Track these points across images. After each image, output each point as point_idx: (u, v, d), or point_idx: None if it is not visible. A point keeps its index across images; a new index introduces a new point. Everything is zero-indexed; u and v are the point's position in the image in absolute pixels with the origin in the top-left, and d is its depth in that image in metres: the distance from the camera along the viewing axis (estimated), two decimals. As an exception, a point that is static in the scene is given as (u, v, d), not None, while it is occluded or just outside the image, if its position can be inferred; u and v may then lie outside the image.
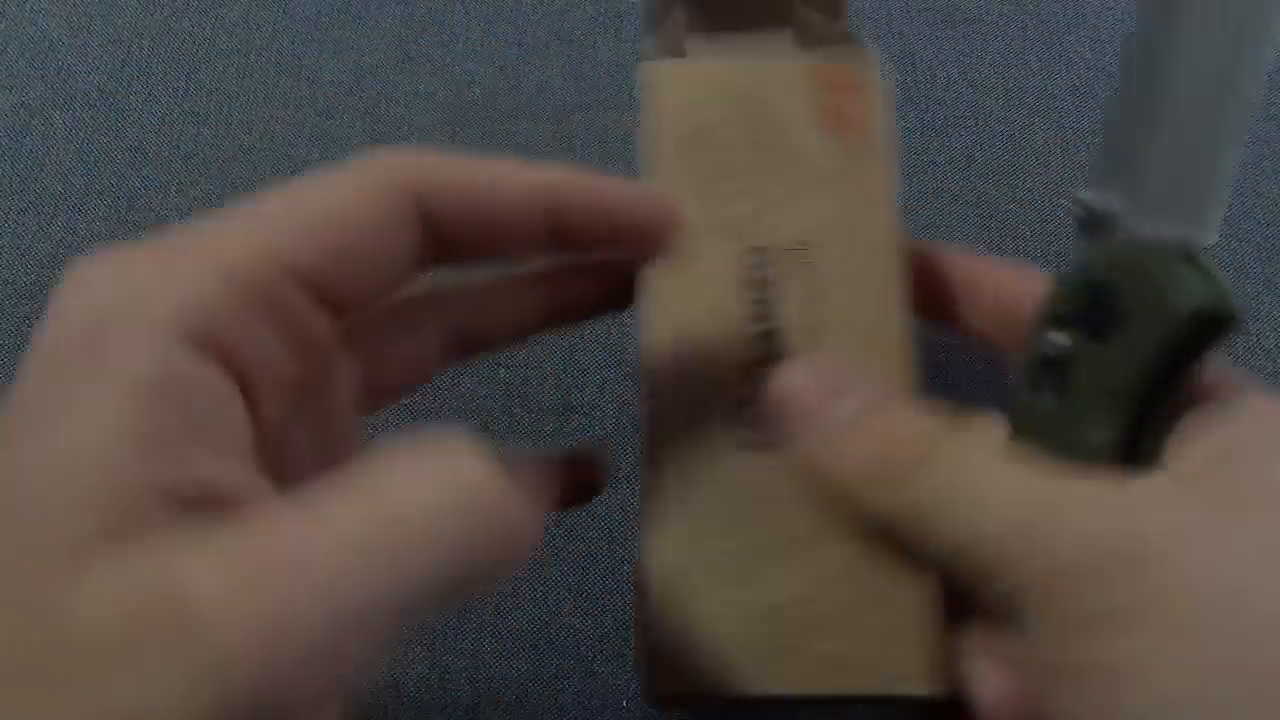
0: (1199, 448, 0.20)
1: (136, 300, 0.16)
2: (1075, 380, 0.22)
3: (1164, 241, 0.21)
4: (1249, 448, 0.19)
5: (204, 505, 0.15)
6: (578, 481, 0.26)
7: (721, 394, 0.24)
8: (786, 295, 0.25)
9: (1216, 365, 0.22)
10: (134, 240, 0.17)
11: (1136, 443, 0.21)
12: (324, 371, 0.21)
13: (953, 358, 0.32)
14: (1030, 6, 0.45)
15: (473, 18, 0.45)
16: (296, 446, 0.19)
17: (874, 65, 0.28)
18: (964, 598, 0.21)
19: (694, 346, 0.24)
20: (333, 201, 0.18)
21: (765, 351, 0.24)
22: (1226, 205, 0.21)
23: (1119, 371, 0.21)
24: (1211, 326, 0.20)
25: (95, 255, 0.17)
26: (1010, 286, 0.25)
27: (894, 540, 0.22)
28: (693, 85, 0.27)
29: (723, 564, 0.23)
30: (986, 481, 0.20)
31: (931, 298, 0.27)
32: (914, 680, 0.22)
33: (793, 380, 0.22)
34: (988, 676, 0.22)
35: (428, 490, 0.15)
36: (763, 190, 0.26)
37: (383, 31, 0.45)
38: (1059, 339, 0.22)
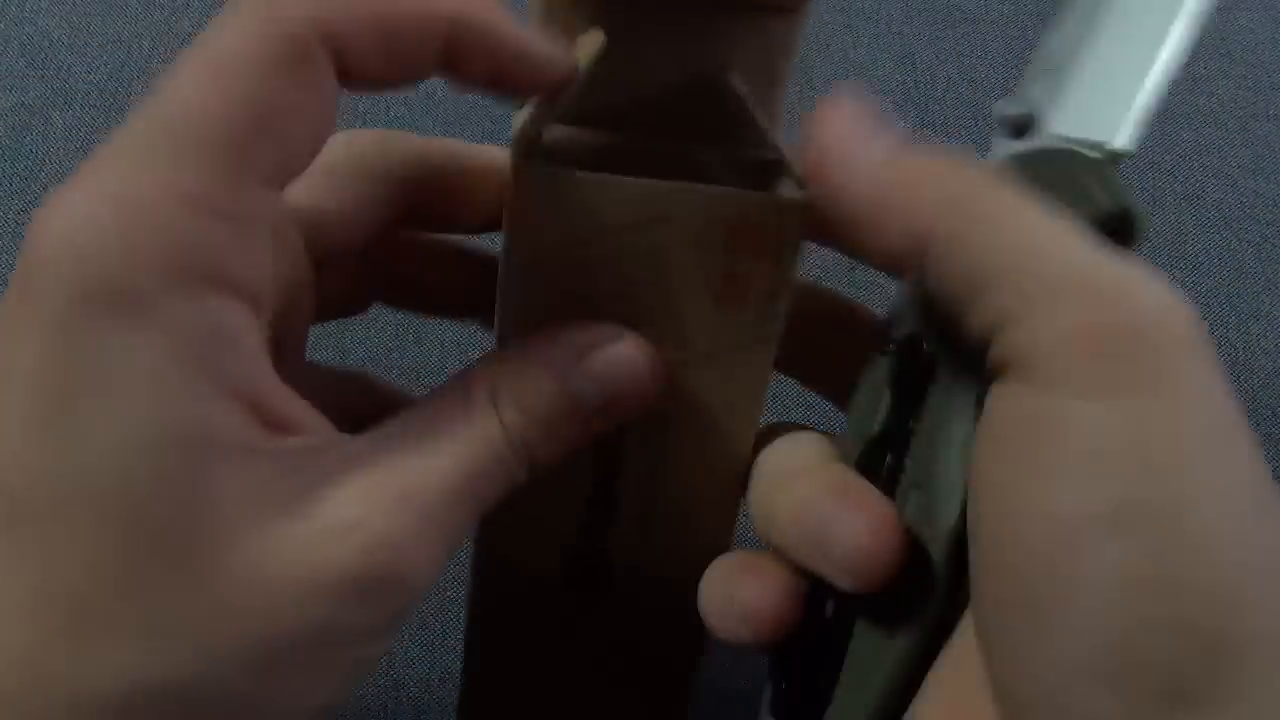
0: None
1: (132, 249, 0.16)
2: None
3: (1082, 147, 0.20)
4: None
5: (280, 431, 0.18)
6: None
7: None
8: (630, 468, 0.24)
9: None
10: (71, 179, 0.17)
11: None
12: (292, 298, 0.21)
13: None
14: (1030, 6, 0.46)
15: (473, 18, 0.45)
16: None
17: (799, 212, 0.21)
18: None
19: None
20: (256, 88, 0.17)
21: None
22: (1147, 123, 0.20)
23: None
24: (1125, 231, 0.19)
25: (58, 199, 0.17)
26: None
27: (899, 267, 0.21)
28: (572, 207, 0.21)
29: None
30: (1032, 220, 0.18)
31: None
32: None
33: (834, 123, 0.21)
34: None
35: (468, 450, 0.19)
36: None
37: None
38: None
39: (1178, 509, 0.16)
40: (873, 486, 0.21)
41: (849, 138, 0.20)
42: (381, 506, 0.18)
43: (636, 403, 0.21)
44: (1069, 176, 0.20)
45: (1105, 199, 0.19)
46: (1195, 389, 0.17)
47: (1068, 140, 0.20)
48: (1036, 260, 0.18)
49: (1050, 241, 0.18)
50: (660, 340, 0.21)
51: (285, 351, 0.21)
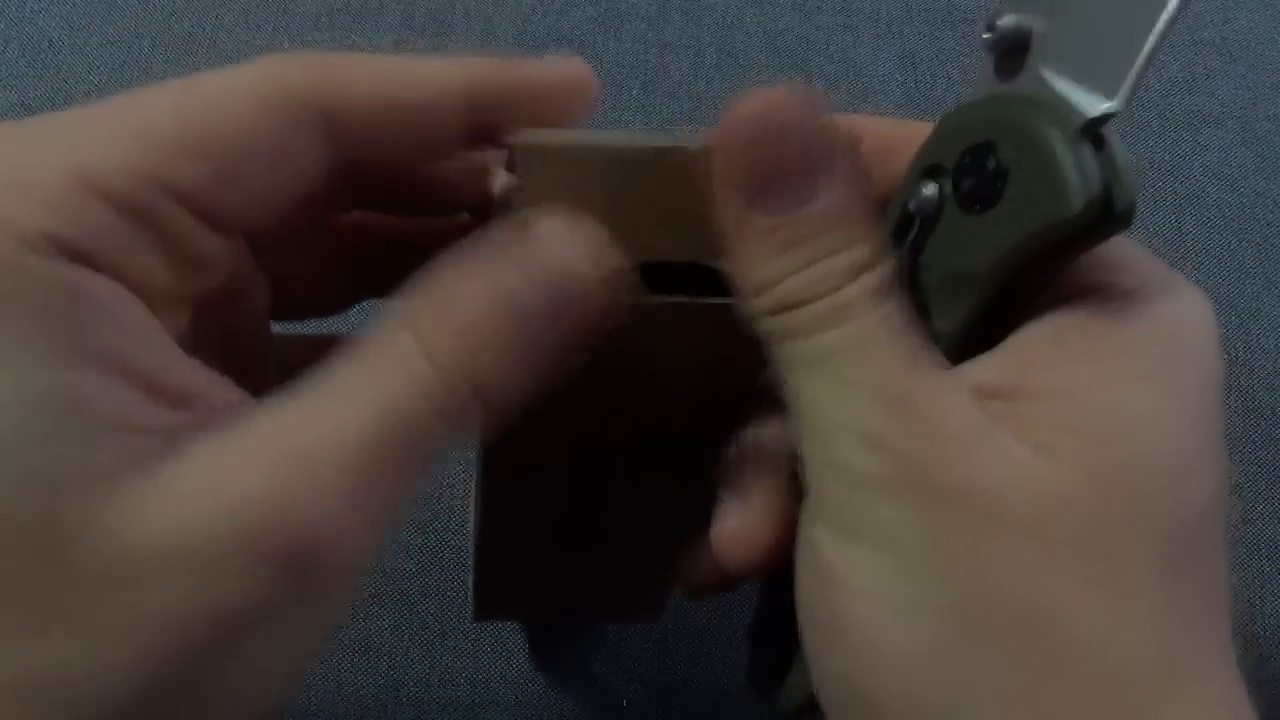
0: (1021, 372, 0.17)
1: (4, 218, 0.15)
2: (930, 249, 0.19)
3: (1064, 103, 0.17)
4: (1073, 389, 0.17)
5: (177, 406, 0.16)
6: None
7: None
8: None
9: (1117, 244, 0.18)
10: None
11: (980, 330, 0.18)
12: (230, 288, 0.19)
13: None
14: (1030, 6, 0.46)
15: (473, 18, 0.45)
16: (207, 355, 0.18)
17: None
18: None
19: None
20: (223, 117, 0.16)
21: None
22: (1140, 80, 0.16)
23: (979, 252, 0.17)
24: (1106, 221, 0.16)
25: None
26: (888, 133, 0.21)
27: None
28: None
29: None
30: (837, 354, 0.17)
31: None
32: None
33: (750, 125, 0.17)
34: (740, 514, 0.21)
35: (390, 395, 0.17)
36: None
37: (383, 31, 0.45)
38: (927, 192, 0.18)
39: None
40: (772, 480, 0.21)
41: (763, 159, 0.18)
42: (270, 465, 0.16)
43: (590, 309, 0.18)
44: (1039, 154, 0.17)
45: (1077, 191, 0.16)
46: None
47: (1056, 89, 0.17)
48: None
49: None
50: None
51: (240, 338, 0.20)
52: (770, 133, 0.17)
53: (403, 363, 0.17)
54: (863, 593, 0.17)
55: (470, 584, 0.30)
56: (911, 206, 0.19)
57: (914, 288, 0.19)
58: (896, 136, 0.20)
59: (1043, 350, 0.17)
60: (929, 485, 0.17)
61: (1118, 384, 0.17)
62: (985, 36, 0.18)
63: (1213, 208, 0.43)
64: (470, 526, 0.27)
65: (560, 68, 0.20)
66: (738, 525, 0.21)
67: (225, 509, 0.15)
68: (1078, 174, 0.16)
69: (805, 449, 0.18)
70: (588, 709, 0.34)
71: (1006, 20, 0.18)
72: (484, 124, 0.19)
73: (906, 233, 0.19)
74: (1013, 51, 0.18)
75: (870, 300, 0.17)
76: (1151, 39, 0.16)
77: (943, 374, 0.18)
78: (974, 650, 0.16)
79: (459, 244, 0.18)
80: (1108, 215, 0.16)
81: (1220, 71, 0.46)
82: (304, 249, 0.21)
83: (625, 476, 0.25)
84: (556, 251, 0.18)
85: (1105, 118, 0.16)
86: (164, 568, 0.15)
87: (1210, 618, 0.17)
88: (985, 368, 0.18)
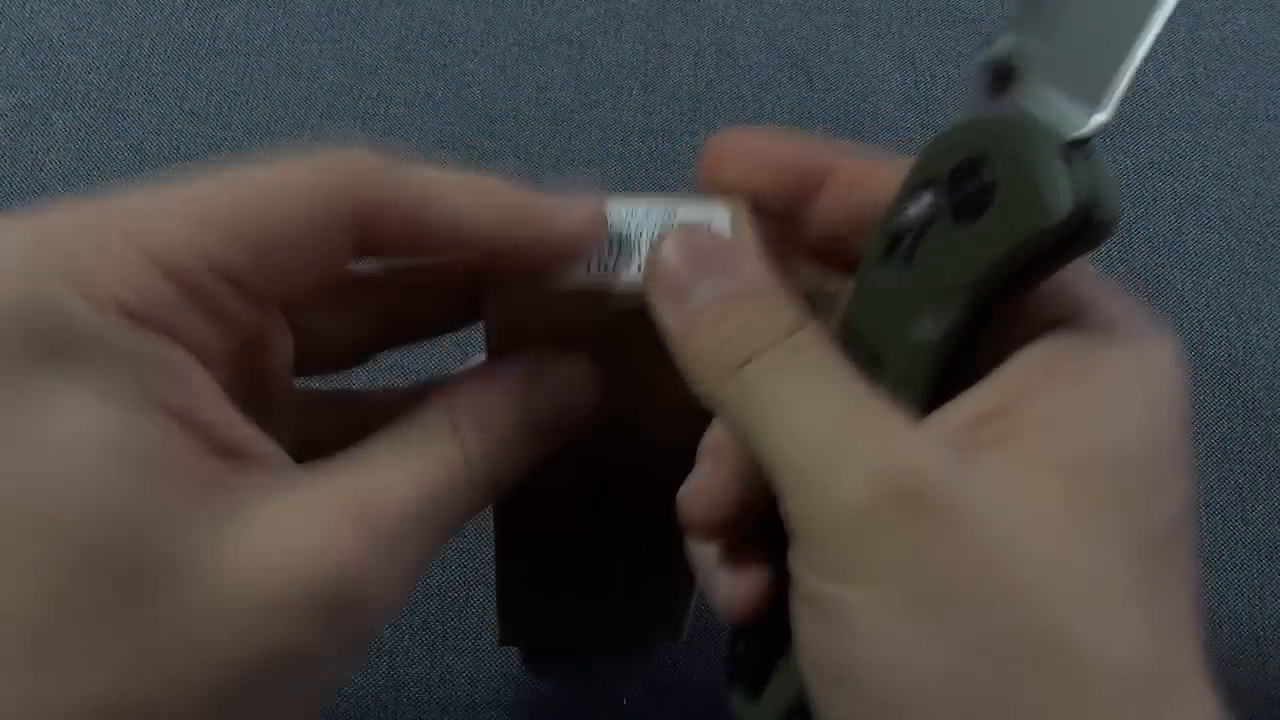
0: (1015, 398, 0.18)
1: (82, 285, 0.16)
2: (920, 259, 0.19)
3: (1049, 124, 0.18)
4: (1064, 413, 0.18)
5: (230, 457, 0.18)
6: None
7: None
8: None
9: (1091, 279, 0.20)
10: (50, 206, 0.17)
11: (966, 341, 0.19)
12: (254, 346, 0.21)
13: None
14: (1030, 6, 0.46)
15: (473, 18, 0.45)
16: (240, 408, 0.20)
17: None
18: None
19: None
20: (271, 202, 0.18)
21: None
22: (1124, 91, 0.18)
23: (967, 262, 0.18)
24: (1086, 232, 0.17)
25: (9, 221, 0.17)
26: (869, 173, 0.22)
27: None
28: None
29: None
30: (789, 399, 0.18)
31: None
32: None
33: (667, 256, 0.21)
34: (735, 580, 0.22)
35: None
36: None
37: (383, 31, 0.45)
38: (919, 207, 0.20)
39: None
40: (756, 550, 0.22)
41: (681, 268, 0.20)
42: (335, 522, 0.18)
43: (580, 417, 0.22)
44: (1022, 170, 0.18)
45: (1057, 203, 0.17)
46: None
47: (1045, 106, 0.18)
48: (806, 447, 0.18)
49: (824, 423, 0.18)
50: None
51: (263, 395, 0.21)
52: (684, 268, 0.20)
53: (444, 451, 0.20)
54: (869, 636, 0.17)
55: (495, 610, 0.31)
56: (910, 212, 0.20)
57: (902, 296, 0.20)
58: (864, 172, 0.22)
59: (1035, 378, 0.18)
60: (917, 512, 0.17)
61: (1104, 412, 0.18)
62: (980, 61, 0.19)
63: (1213, 208, 0.43)
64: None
65: (577, 216, 0.21)
66: (700, 479, 0.22)
67: (298, 561, 0.17)
68: (1057, 187, 0.17)
69: (786, 500, 0.18)
70: (588, 709, 0.34)
71: (1003, 43, 0.19)
72: (497, 255, 0.21)
73: (896, 248, 0.20)
74: (1004, 72, 0.19)
75: (810, 346, 0.19)
76: (1134, 56, 0.17)
77: (898, 412, 0.18)
78: (993, 679, 0.16)
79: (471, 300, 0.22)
80: (1088, 226, 0.17)
81: (1220, 71, 0.46)
82: (326, 308, 0.23)
83: (619, 495, 0.26)
84: (565, 383, 0.22)
85: (1089, 136, 0.18)
86: (244, 610, 0.17)
87: (1186, 627, 0.17)
88: (980, 397, 0.19)
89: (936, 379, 0.19)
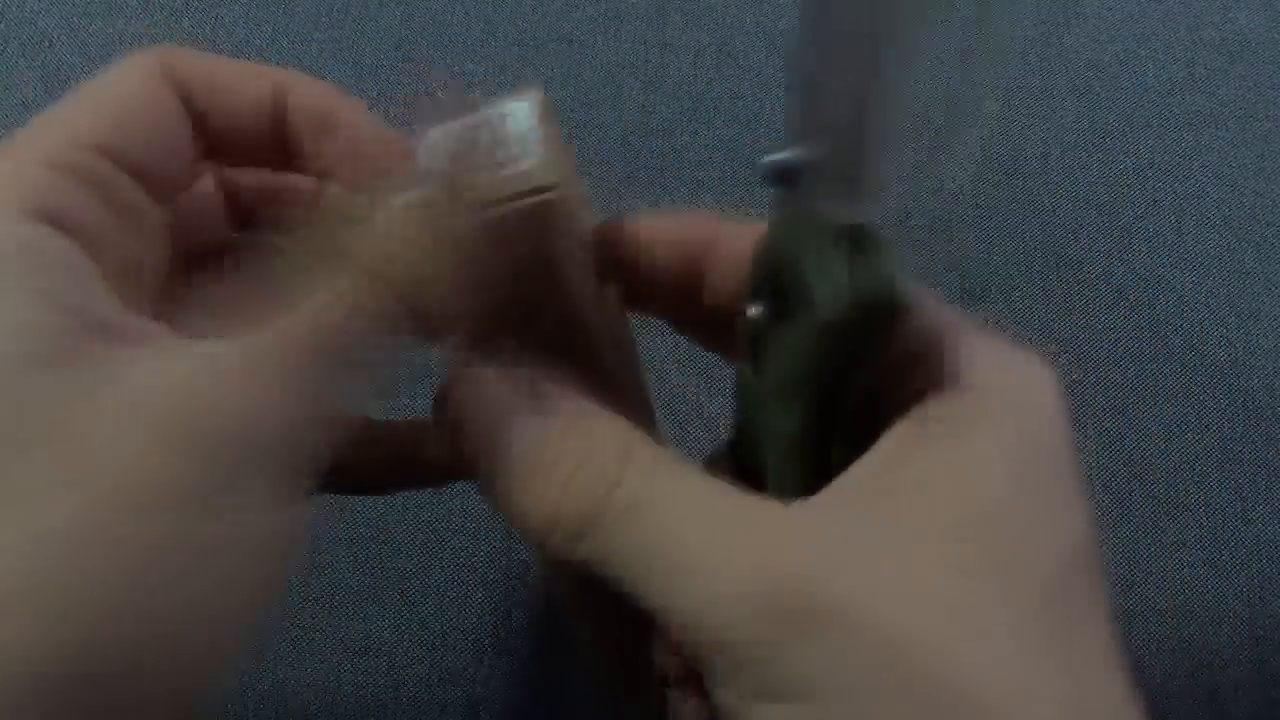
0: (891, 461, 0.19)
1: None
2: (764, 360, 0.20)
3: (828, 218, 0.19)
4: (935, 474, 0.18)
5: (108, 335, 0.18)
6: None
7: None
8: None
9: (959, 332, 0.20)
10: None
11: (830, 429, 0.20)
12: (148, 249, 0.22)
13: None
14: (1031, 6, 0.45)
15: (473, 18, 0.45)
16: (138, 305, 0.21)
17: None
18: None
19: None
20: (115, 89, 0.21)
21: None
22: (900, 182, 0.18)
23: (790, 361, 0.19)
24: (874, 319, 0.18)
25: None
26: (748, 240, 0.23)
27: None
28: None
29: None
30: (660, 530, 0.18)
31: (655, 281, 0.24)
32: None
33: (481, 389, 0.21)
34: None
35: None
36: None
37: (383, 31, 0.45)
38: (756, 312, 0.21)
39: None
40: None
41: (493, 413, 0.20)
42: (205, 360, 0.18)
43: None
44: (799, 271, 0.19)
45: (830, 300, 0.18)
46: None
47: (827, 199, 0.19)
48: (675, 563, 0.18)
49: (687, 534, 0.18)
50: None
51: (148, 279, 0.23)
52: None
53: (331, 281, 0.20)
54: None
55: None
56: (750, 315, 0.21)
57: (761, 396, 0.20)
58: (745, 237, 0.22)
59: (909, 444, 0.19)
60: (809, 623, 0.17)
61: (971, 467, 0.18)
62: (763, 163, 0.20)
63: (1213, 208, 0.43)
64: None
65: (380, 136, 0.23)
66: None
67: (162, 400, 0.17)
68: (831, 283, 0.18)
69: (685, 632, 0.18)
70: (588, 709, 0.34)
71: (774, 157, 0.19)
72: (293, 143, 0.23)
73: (748, 348, 0.21)
74: (788, 173, 0.19)
75: (653, 462, 0.19)
76: (884, 152, 0.18)
77: (766, 509, 0.19)
78: None
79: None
80: (874, 313, 0.18)
81: (1220, 71, 0.46)
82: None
83: None
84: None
85: (860, 226, 0.18)
86: (121, 453, 0.17)
87: (1104, 659, 0.17)
88: (861, 467, 0.19)
89: (809, 464, 0.20)
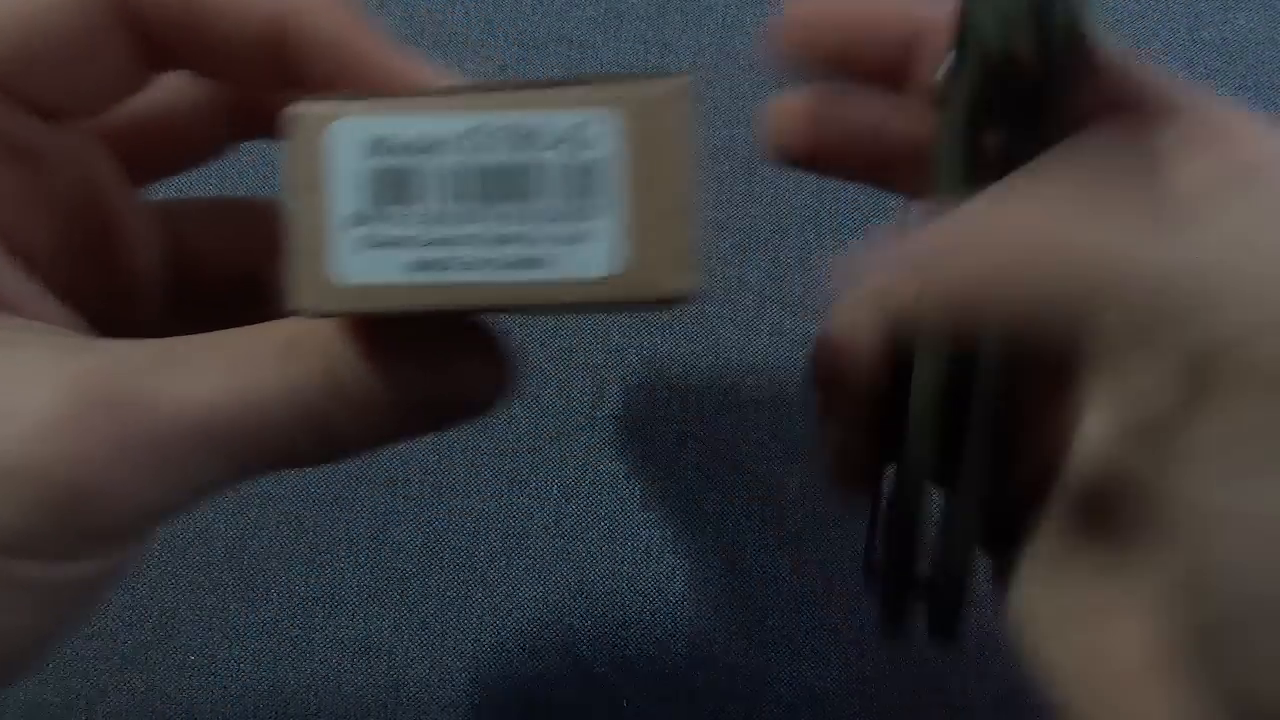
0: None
1: None
2: (945, 109, 0.19)
3: None
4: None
5: None
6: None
7: None
8: None
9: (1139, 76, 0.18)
10: None
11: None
12: (80, 186, 0.19)
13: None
14: (1030, 6, 0.46)
15: (473, 18, 0.45)
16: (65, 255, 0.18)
17: None
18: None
19: None
20: (33, 11, 0.17)
21: None
22: None
23: (957, 98, 0.18)
24: (1048, 46, 0.16)
25: None
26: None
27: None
28: None
29: None
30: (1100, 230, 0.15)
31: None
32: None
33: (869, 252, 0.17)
34: None
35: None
36: None
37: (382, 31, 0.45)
38: (947, 65, 0.19)
39: None
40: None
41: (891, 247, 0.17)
42: (74, 408, 0.15)
43: (483, 412, 0.19)
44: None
45: (988, 28, 0.16)
46: None
47: None
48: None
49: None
50: None
51: (108, 255, 0.20)
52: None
53: (269, 361, 0.17)
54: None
55: None
56: (942, 73, 0.19)
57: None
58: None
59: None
60: None
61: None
62: None
63: (1213, 208, 0.43)
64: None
65: (395, 59, 0.19)
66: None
67: (12, 436, 0.15)
68: (986, 9, 0.17)
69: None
70: (588, 709, 0.34)
71: None
72: (293, 69, 0.19)
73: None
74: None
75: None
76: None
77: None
78: None
79: None
80: (1043, 39, 0.16)
81: (1220, 71, 0.46)
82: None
83: None
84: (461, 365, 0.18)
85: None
86: None
87: None
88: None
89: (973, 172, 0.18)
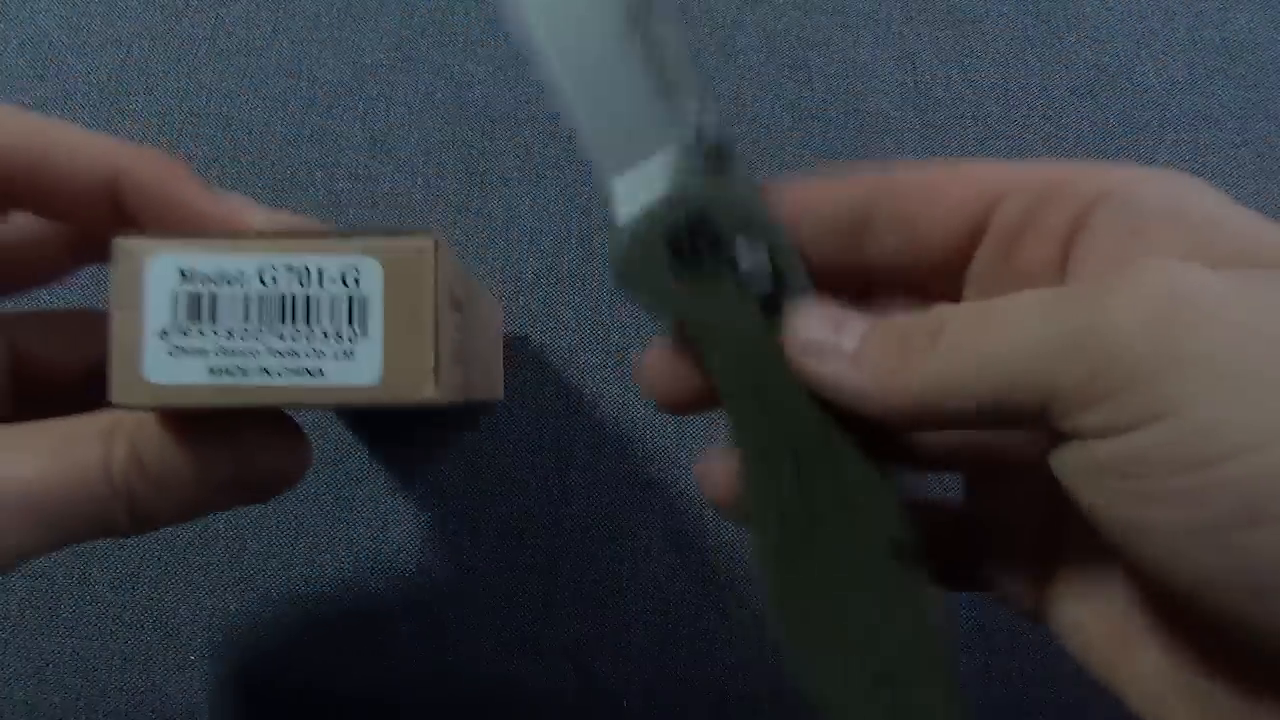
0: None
1: None
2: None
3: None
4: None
5: None
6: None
7: None
8: None
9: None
10: None
11: None
12: None
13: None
14: (1030, 6, 0.45)
15: (473, 18, 0.45)
16: None
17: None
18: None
19: None
20: None
21: None
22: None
23: None
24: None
25: None
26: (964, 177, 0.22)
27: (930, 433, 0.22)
28: None
29: None
30: (1008, 314, 0.18)
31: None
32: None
33: (808, 329, 0.21)
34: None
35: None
36: None
37: (383, 31, 0.45)
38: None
39: None
40: None
41: (821, 337, 0.21)
42: None
43: (284, 488, 0.22)
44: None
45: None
46: None
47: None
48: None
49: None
50: None
51: None
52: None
53: (84, 452, 0.20)
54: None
55: None
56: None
57: None
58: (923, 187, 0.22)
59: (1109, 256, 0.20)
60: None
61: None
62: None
63: (1213, 208, 0.43)
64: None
65: (220, 206, 0.22)
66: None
67: None
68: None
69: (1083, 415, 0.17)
70: (588, 709, 0.34)
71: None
72: (128, 211, 0.22)
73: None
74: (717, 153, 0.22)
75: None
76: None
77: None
78: None
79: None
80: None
81: (1220, 71, 0.46)
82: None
83: None
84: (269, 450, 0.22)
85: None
86: None
87: None
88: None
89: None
